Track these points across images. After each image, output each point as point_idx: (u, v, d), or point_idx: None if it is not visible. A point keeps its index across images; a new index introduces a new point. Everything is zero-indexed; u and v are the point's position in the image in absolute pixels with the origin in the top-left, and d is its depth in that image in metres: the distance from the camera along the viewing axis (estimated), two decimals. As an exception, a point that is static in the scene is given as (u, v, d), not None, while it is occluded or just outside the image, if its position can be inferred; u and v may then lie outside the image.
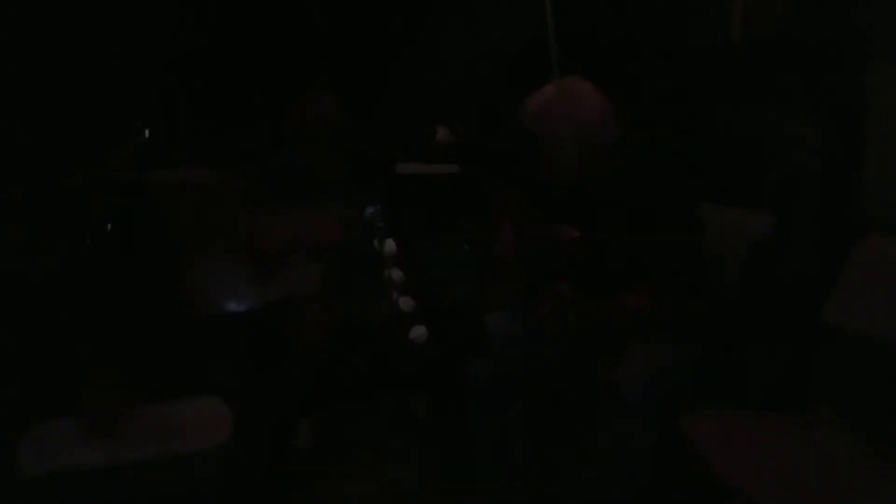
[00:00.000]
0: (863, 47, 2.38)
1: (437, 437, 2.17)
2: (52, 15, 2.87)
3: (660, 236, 1.89)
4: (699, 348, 1.91)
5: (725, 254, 2.02)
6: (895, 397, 1.68)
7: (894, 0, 2.21)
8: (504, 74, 3.25)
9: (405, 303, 1.91)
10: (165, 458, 1.70)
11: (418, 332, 1.82)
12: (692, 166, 2.39)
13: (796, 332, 1.95)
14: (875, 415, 1.71)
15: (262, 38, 3.16)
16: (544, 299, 1.93)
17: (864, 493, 1.54)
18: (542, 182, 2.08)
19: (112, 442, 1.71)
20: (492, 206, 2.34)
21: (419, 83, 3.34)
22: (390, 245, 1.56)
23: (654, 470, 1.78)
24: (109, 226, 2.41)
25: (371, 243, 2.26)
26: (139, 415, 1.79)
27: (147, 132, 3.04)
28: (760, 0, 2.99)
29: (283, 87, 2.83)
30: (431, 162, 3.11)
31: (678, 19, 3.10)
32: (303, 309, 2.26)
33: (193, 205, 2.44)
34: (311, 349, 2.21)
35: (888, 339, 1.70)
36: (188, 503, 1.75)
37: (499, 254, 2.18)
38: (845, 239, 1.89)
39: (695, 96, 2.86)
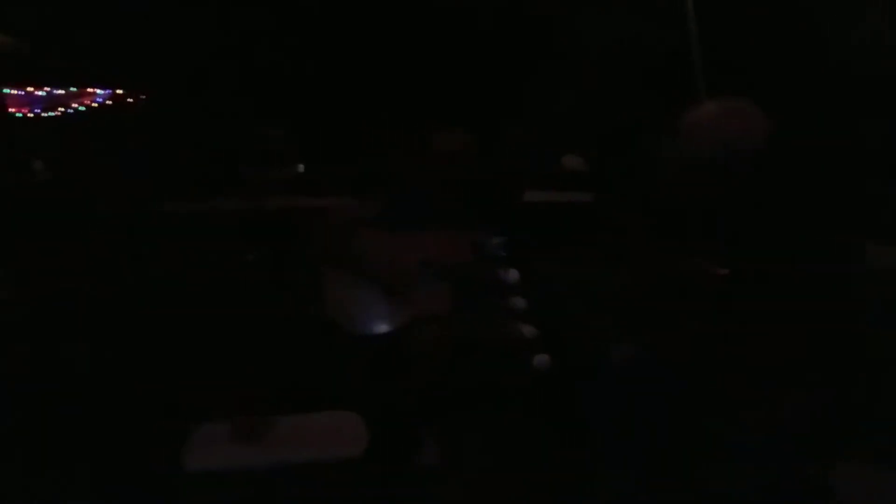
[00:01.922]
0: None
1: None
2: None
3: (806, 271, 1.81)
4: (846, 394, 1.80)
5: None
6: None
7: None
8: (642, 102, 3.21)
9: (527, 331, 1.92)
10: (306, 465, 1.82)
11: (541, 359, 1.83)
12: (853, 197, 2.25)
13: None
14: None
15: (398, 70, 3.30)
16: (673, 334, 1.88)
17: None
18: (679, 209, 2.04)
19: (259, 447, 1.85)
20: (622, 236, 2.32)
21: (550, 110, 3.36)
22: (513, 274, 1.58)
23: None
24: (257, 249, 2.60)
25: (493, 269, 2.32)
26: (283, 424, 1.92)
27: (301, 166, 3.27)
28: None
29: (413, 119, 2.96)
30: (562, 190, 3.12)
31: (836, 39, 2.95)
32: (427, 328, 2.35)
33: (332, 230, 2.59)
34: (431, 367, 2.29)
35: None
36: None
37: (630, 285, 2.15)
38: None
39: (854, 116, 2.71)
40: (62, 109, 4.27)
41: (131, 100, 4.03)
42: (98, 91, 4.38)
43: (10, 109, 3.91)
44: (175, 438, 1.88)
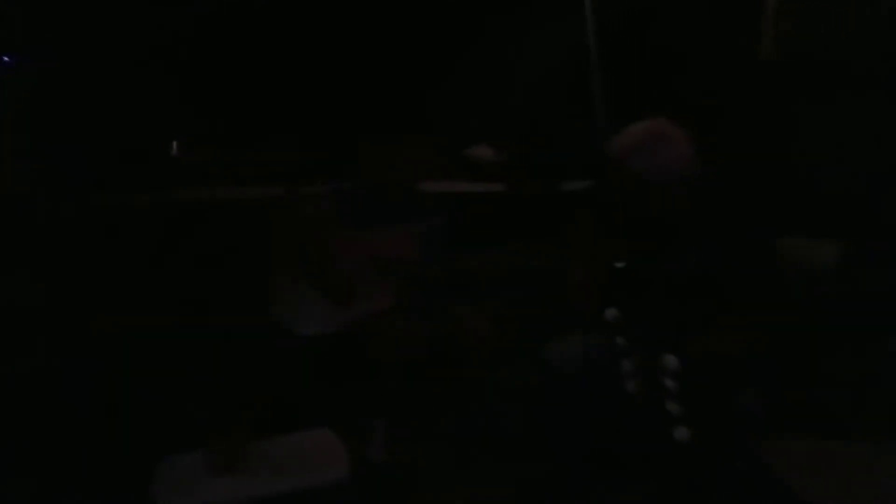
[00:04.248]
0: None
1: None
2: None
3: (736, 269, 1.97)
4: (777, 377, 2.00)
5: (796, 284, 2.12)
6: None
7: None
8: (546, 93, 3.33)
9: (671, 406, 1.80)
10: (289, 492, 1.75)
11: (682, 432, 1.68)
12: (767, 198, 2.47)
13: (867, 359, 2.06)
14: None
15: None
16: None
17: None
18: (618, 211, 2.15)
19: (237, 477, 1.75)
20: (542, 225, 2.42)
21: (462, 104, 3.39)
22: (672, 361, 1.53)
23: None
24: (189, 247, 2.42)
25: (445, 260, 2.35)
26: (259, 449, 1.82)
27: (175, 146, 3.05)
28: (790, 19, 3.10)
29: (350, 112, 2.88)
30: (475, 181, 3.19)
31: (710, 38, 3.20)
32: (383, 324, 2.34)
33: (271, 224, 2.47)
34: (394, 363, 2.30)
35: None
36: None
37: (573, 277, 2.23)
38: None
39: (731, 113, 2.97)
40: None
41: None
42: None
43: None
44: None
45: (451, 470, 2.20)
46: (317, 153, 2.87)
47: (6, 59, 2.68)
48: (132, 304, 2.26)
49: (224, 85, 3.10)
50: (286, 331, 2.29)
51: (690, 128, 2.15)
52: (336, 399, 2.25)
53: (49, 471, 1.79)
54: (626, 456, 1.78)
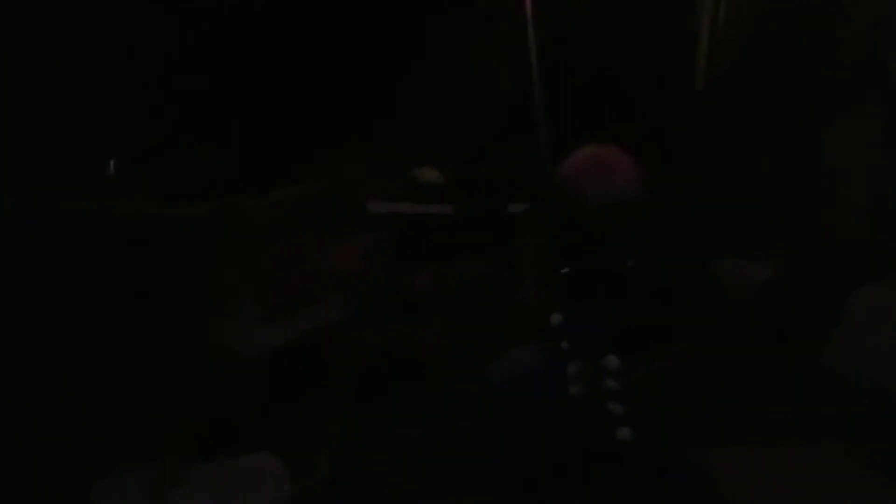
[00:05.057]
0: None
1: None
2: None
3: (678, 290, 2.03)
4: (717, 390, 2.06)
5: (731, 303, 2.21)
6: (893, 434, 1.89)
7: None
8: (490, 116, 3.39)
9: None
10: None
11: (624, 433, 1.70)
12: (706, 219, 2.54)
13: (799, 374, 2.14)
14: (877, 449, 1.91)
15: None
16: None
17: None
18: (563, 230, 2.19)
19: (174, 500, 1.71)
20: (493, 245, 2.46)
21: (408, 126, 3.43)
22: (613, 361, 1.56)
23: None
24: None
25: (391, 273, 2.36)
26: (198, 471, 1.78)
27: (112, 165, 3.00)
28: (722, 51, 3.24)
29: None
30: (421, 202, 3.21)
31: (648, 68, 3.32)
32: (329, 337, 2.33)
33: (210, 239, 2.43)
34: (345, 378, 2.28)
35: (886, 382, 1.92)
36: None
37: (523, 295, 2.26)
38: (844, 286, 2.11)
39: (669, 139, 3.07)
40: None
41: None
42: None
43: None
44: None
45: (399, 484, 2.18)
46: (258, 166, 2.85)
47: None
48: (67, 323, 2.18)
49: (162, 99, 3.07)
50: (227, 350, 2.25)
51: (634, 153, 2.22)
52: (281, 414, 2.21)
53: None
54: (575, 460, 1.80)
